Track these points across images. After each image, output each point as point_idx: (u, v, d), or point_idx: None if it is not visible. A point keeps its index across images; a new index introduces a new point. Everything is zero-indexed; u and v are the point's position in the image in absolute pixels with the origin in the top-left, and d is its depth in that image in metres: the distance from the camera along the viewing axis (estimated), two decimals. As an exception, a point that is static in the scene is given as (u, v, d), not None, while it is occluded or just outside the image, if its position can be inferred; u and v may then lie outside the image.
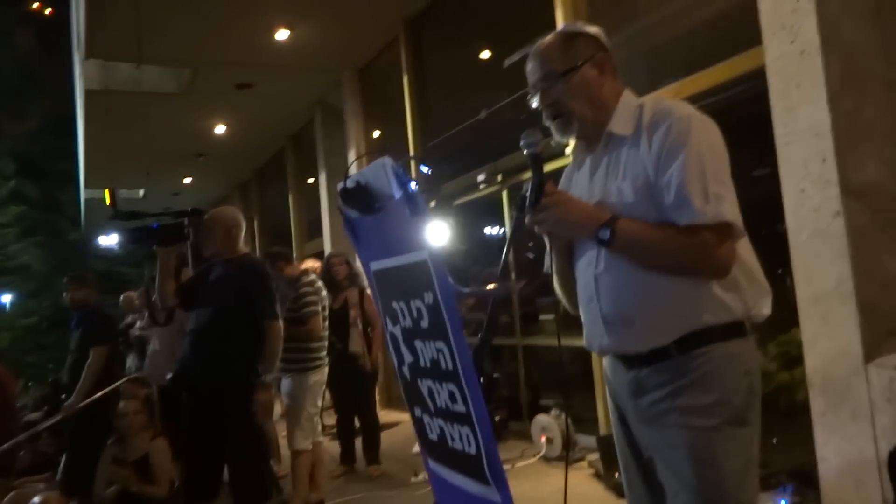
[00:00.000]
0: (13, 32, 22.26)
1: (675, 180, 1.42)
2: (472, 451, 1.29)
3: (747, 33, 3.48)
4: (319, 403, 4.31)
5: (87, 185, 13.58)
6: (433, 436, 1.45)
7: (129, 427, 4.16)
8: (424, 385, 1.40)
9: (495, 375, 5.79)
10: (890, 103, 3.20)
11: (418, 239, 1.23)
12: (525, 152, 1.54)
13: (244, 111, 9.12)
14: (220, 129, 9.88)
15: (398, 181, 1.23)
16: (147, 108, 8.77)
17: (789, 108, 3.18)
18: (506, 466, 4.82)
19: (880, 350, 2.99)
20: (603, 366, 1.70)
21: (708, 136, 1.46)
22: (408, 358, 1.43)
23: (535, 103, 1.64)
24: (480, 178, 5.78)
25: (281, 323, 3.35)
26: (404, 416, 7.16)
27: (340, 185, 1.43)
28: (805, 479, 3.25)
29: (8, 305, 21.52)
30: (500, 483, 1.24)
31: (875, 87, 3.16)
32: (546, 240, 1.62)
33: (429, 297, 1.25)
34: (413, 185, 1.23)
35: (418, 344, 1.36)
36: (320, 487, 4.32)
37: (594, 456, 4.44)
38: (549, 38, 1.64)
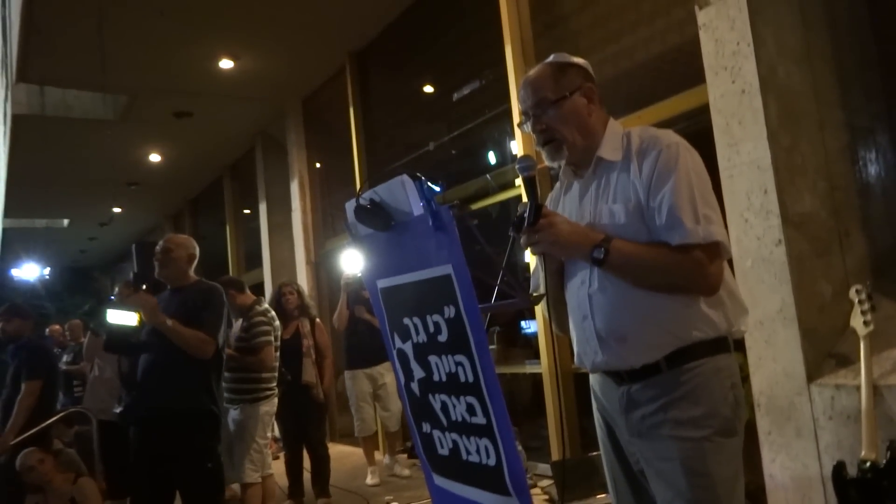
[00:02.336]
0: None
1: (666, 202, 1.51)
2: (492, 462, 1.31)
3: (691, 73, 3.70)
4: (269, 434, 4.22)
5: (6, 215, 12.92)
6: (444, 451, 1.46)
7: (42, 477, 3.96)
8: (437, 400, 1.41)
9: None
10: (821, 141, 3.45)
11: (440, 253, 1.26)
12: (521, 176, 1.60)
13: (181, 140, 8.95)
14: (154, 157, 9.65)
15: (422, 196, 1.26)
16: (78, 135, 8.49)
17: (732, 144, 3.38)
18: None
19: (821, 370, 3.18)
20: (591, 384, 1.76)
21: (694, 162, 1.56)
22: (418, 374, 1.44)
23: (526, 129, 1.70)
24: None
25: (217, 346, 3.26)
26: (350, 449, 7.05)
27: (352, 203, 1.45)
28: (753, 498, 3.37)
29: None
30: (522, 493, 1.27)
31: (808, 125, 3.40)
32: (539, 260, 1.68)
33: (450, 311, 1.27)
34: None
35: (433, 359, 1.38)
36: (270, 523, 4.21)
37: (546, 482, 4.50)
38: (540, 67, 1.72)
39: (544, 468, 4.67)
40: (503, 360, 5.70)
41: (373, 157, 6.91)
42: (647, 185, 1.54)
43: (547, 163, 1.71)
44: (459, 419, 1.36)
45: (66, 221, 13.23)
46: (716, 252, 1.52)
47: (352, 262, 5.40)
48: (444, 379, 1.36)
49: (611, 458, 1.71)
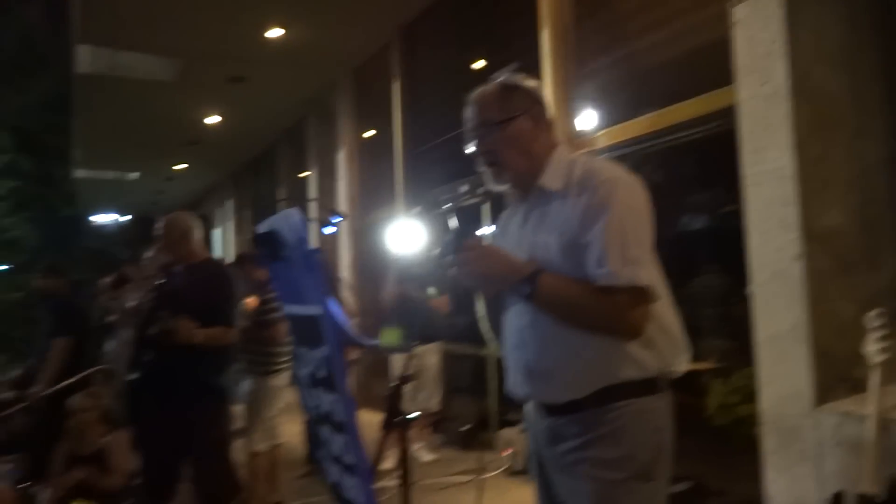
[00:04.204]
0: (18, 4, 22.10)
1: (596, 241, 1.44)
2: (361, 502, 1.30)
3: (722, 71, 3.49)
4: (279, 407, 4.32)
5: (81, 165, 13.56)
6: (334, 479, 1.46)
7: (81, 423, 4.16)
8: (324, 431, 1.42)
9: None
10: (856, 150, 3.22)
11: (314, 293, 1.24)
12: (444, 207, 1.56)
13: (237, 104, 9.11)
14: (212, 119, 9.88)
15: (296, 235, 1.24)
16: (140, 94, 8.76)
17: (757, 149, 3.19)
18: (468, 478, 4.78)
19: (831, 395, 3.02)
20: (524, 411, 1.72)
21: (631, 200, 1.48)
22: (311, 402, 1.45)
23: (470, 148, 1.65)
24: (463, 188, 5.78)
25: (235, 331, 3.35)
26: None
27: (255, 230, 1.45)
28: (753, 515, 3.27)
29: (-4, 279, 21.34)
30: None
31: (842, 133, 3.18)
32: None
33: (324, 350, 1.27)
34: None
35: (317, 392, 1.38)
36: (279, 489, 4.33)
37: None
38: (488, 87, 1.67)
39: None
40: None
41: (414, 132, 6.87)
42: (581, 221, 1.48)
43: (489, 186, 1.66)
44: (338, 454, 1.36)
45: (136, 175, 13.80)
46: (640, 296, 1.44)
47: (396, 236, 5.26)
48: (326, 412, 1.36)
49: (539, 485, 1.68)
